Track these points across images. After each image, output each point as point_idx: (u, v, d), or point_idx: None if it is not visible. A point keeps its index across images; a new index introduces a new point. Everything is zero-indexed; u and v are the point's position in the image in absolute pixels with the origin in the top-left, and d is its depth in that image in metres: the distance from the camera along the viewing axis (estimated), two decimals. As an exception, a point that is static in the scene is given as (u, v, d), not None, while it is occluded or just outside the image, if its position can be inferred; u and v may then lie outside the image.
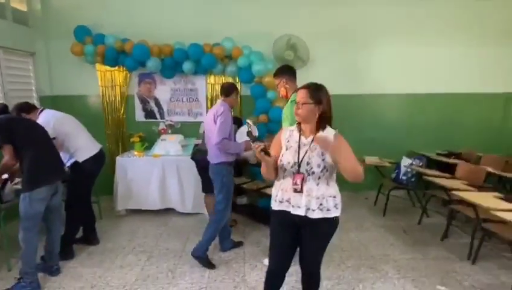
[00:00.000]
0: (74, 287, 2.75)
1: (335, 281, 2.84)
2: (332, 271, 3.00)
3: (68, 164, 3.27)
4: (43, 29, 4.72)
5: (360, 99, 5.09)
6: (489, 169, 3.85)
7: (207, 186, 3.59)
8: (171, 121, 4.84)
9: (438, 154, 4.95)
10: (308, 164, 1.84)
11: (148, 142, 4.60)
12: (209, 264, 3.06)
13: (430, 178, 3.73)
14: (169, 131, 4.70)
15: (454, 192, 3.09)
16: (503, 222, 3.07)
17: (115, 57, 4.55)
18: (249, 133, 1.96)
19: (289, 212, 1.90)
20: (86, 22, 4.64)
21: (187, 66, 4.52)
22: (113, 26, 4.67)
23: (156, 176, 4.27)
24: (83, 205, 3.40)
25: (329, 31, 4.89)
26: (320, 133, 1.83)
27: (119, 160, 4.32)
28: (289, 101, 2.81)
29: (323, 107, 1.83)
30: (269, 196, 3.87)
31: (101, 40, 4.52)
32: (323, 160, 1.82)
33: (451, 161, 4.48)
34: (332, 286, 2.77)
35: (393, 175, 4.54)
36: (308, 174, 1.84)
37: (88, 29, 4.61)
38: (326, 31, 4.89)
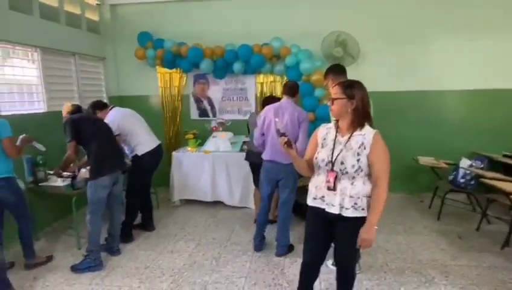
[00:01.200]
0: (131, 267, 3.09)
1: (375, 282, 2.79)
2: (374, 272, 2.94)
3: (130, 157, 3.66)
4: (112, 36, 5.27)
5: (414, 95, 4.82)
6: None
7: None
8: (222, 119, 5.07)
9: (505, 155, 4.51)
10: (342, 163, 1.84)
11: (201, 138, 4.89)
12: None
13: (488, 181, 3.44)
14: (221, 129, 4.94)
15: (514, 196, 2.82)
16: None
17: (172, 60, 4.91)
18: (277, 131, 2.06)
19: (323, 209, 1.94)
20: (148, 28, 5.08)
21: (237, 66, 4.72)
22: (171, 31, 5.05)
23: (207, 170, 4.54)
24: (141, 194, 3.77)
25: (379, 27, 4.73)
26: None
27: (175, 155, 4.67)
28: None
29: (356, 103, 1.81)
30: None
31: (160, 44, 4.92)
32: (358, 160, 1.82)
33: (518, 162, 4.06)
34: (372, 286, 2.73)
35: (451, 177, 4.24)
36: (342, 173, 1.85)
37: (150, 35, 5.04)
38: (376, 27, 4.72)
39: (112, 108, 3.64)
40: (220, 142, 4.70)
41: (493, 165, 4.22)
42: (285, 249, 3.26)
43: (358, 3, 4.74)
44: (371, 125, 1.88)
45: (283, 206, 3.24)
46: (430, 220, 4.12)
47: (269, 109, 3.17)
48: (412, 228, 3.89)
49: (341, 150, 1.86)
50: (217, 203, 4.62)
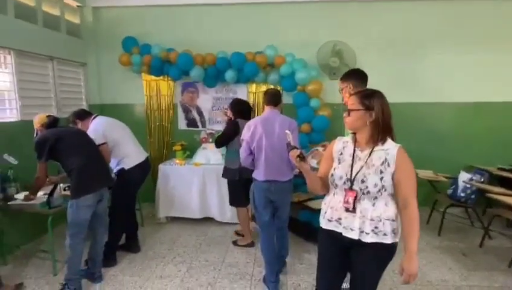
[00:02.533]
0: (115, 296, 2.74)
1: (388, 308, 2.57)
2: (384, 295, 2.74)
3: (115, 171, 3.32)
4: (94, 40, 4.93)
5: (411, 107, 4.74)
6: None
7: (241, 200, 3.53)
8: (212, 129, 4.82)
9: (500, 168, 4.47)
10: (363, 181, 1.62)
11: (190, 150, 4.60)
12: None
13: (496, 196, 3.34)
14: (210, 140, 4.67)
15: (528, 213, 2.71)
16: None
17: (160, 66, 4.63)
18: (288, 144, 1.85)
19: (340, 233, 1.71)
20: (134, 33, 4.78)
21: (229, 74, 4.49)
22: (159, 36, 4.78)
23: (197, 184, 4.24)
24: (126, 212, 3.43)
25: (376, 38, 4.66)
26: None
27: (162, 168, 4.35)
28: None
29: (376, 114, 1.61)
30: (311, 210, 3.74)
31: (147, 50, 4.63)
32: (381, 179, 1.61)
33: (518, 176, 4.01)
34: (385, 313, 2.52)
35: (450, 191, 4.15)
36: (363, 193, 1.63)
37: (135, 40, 4.74)
38: (374, 38, 4.66)
39: (95, 117, 3.30)
40: (210, 154, 4.43)
41: (491, 178, 4.16)
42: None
43: (356, 13, 4.66)
44: (393, 139, 1.68)
45: (283, 227, 2.99)
46: (431, 235, 3.98)
47: (255, 122, 2.79)
48: (414, 244, 3.72)
49: (361, 167, 1.65)
50: (207, 220, 4.31)
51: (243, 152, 2.81)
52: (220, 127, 4.93)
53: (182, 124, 5.09)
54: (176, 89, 5.02)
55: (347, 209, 1.66)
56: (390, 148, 1.63)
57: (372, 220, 1.61)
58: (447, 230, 4.01)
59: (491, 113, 4.72)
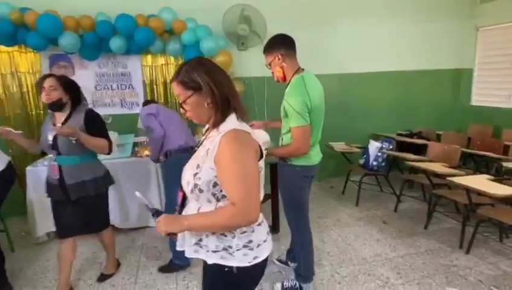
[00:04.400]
0: None
1: (337, 301, 2.34)
2: (328, 285, 2.50)
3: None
4: None
5: (321, 80, 4.61)
6: (466, 149, 3.70)
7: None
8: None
9: (399, 134, 4.78)
10: (183, 178, 1.24)
11: (71, 143, 3.56)
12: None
13: (412, 163, 3.45)
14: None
15: (450, 178, 2.79)
16: (492, 205, 2.92)
17: (13, 33, 3.37)
18: (146, 207, 1.28)
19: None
20: (-38, -17, 3.34)
21: (116, 43, 3.54)
22: (4, -11, 3.44)
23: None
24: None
25: (287, 5, 4.30)
26: None
27: (31, 171, 3.22)
28: (290, 85, 2.12)
29: (209, 91, 1.14)
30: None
31: (-13, 8, 3.28)
32: (195, 175, 1.16)
33: (420, 141, 4.31)
34: (336, 307, 2.28)
35: (362, 161, 4.21)
36: (186, 193, 1.25)
37: (-34, -6, 3.32)
38: (284, 4, 4.28)
39: None
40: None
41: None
42: None
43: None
44: (242, 118, 1.21)
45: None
46: (349, 206, 4.00)
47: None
48: (338, 219, 3.66)
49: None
50: (106, 228, 3.43)
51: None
52: (110, 111, 3.97)
53: (56, 110, 3.92)
54: (42, 63, 3.79)
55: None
56: (220, 132, 1.13)
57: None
58: (362, 199, 4.09)
59: (388, 82, 4.96)
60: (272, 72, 2.21)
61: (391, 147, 4.04)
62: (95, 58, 3.83)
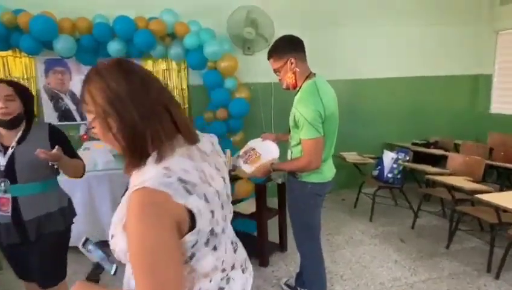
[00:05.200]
0: None
1: (354, 336, 2.07)
2: (343, 316, 2.24)
3: None
4: None
5: (331, 85, 4.38)
6: (489, 161, 3.42)
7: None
8: (96, 122, 3.62)
9: (414, 144, 4.50)
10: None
11: (65, 153, 3.35)
12: None
13: (434, 177, 3.18)
14: (95, 137, 3.49)
15: (479, 196, 2.51)
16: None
17: (5, 35, 3.19)
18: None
19: None
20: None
21: (114, 46, 3.34)
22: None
23: (80, 199, 3.06)
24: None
25: (295, 6, 4.08)
26: None
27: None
28: (301, 92, 1.87)
29: (105, 118, 0.78)
30: (235, 213, 3.04)
31: (-22, 10, 3.11)
32: (112, 236, 0.82)
33: (438, 152, 4.03)
34: None
35: (376, 172, 3.93)
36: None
37: (-43, -5, 3.15)
38: (293, 6, 4.07)
39: None
40: (96, 156, 3.27)
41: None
42: None
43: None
44: (189, 142, 0.85)
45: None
46: (363, 222, 3.73)
47: None
48: (351, 236, 3.39)
49: None
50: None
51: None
52: (107, 119, 3.75)
53: (51, 117, 3.71)
54: (37, 68, 3.61)
55: None
56: (135, 185, 0.73)
57: None
58: (376, 214, 3.80)
59: (402, 88, 4.69)
60: (280, 79, 1.96)
61: (407, 158, 3.77)
62: (92, 63, 3.63)
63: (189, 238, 0.75)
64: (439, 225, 3.57)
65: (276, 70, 1.93)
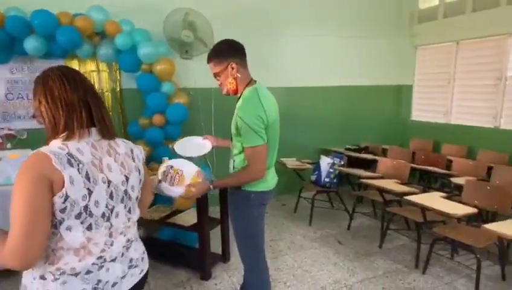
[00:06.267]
0: None
1: None
2: (288, 325, 2.22)
3: None
4: None
5: (273, 92, 4.43)
6: (413, 165, 3.73)
7: None
8: (9, 129, 3.17)
9: (348, 149, 4.75)
10: None
11: (-31, 165, 2.85)
12: None
13: (367, 181, 3.35)
14: (9, 145, 3.06)
15: (407, 197, 2.70)
16: (443, 222, 2.90)
17: None
18: None
19: None
20: None
21: (31, 43, 2.96)
22: None
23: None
24: None
25: (236, 13, 4.06)
26: None
27: None
28: (243, 99, 1.79)
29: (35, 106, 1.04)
30: (176, 225, 2.88)
31: None
32: None
33: (369, 156, 4.29)
34: None
35: (314, 177, 4.06)
36: None
37: None
38: (233, 12, 4.04)
39: None
40: (9, 167, 2.84)
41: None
42: None
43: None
44: (103, 136, 1.07)
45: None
46: (302, 226, 3.80)
47: None
48: (293, 241, 3.42)
49: None
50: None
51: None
52: (25, 125, 3.31)
53: (-50, 123, 3.17)
54: None
55: None
56: None
57: None
58: (315, 217, 3.91)
59: (335, 97, 4.93)
60: (220, 84, 1.88)
61: (342, 162, 3.95)
62: (5, 62, 3.19)
63: (58, 199, 0.91)
64: (372, 225, 3.79)
65: (216, 75, 1.84)
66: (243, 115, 1.71)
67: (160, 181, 1.75)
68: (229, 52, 1.78)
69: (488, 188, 2.83)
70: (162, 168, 1.78)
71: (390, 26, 5.10)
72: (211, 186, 1.82)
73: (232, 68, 1.76)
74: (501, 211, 2.73)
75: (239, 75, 1.79)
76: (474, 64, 4.40)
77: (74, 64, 3.42)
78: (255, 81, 1.87)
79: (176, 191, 1.76)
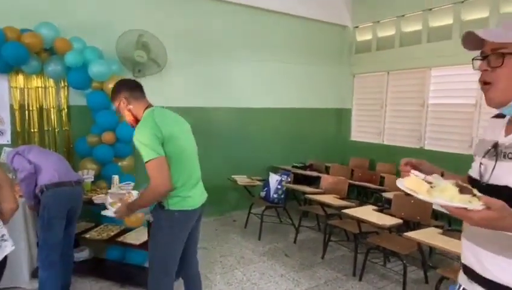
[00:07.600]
0: None
1: None
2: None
3: None
4: None
5: (221, 112, 4.61)
6: (351, 181, 4.09)
7: None
8: None
9: (294, 166, 5.05)
10: None
11: None
12: None
13: (310, 196, 3.62)
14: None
15: (344, 210, 2.99)
16: (376, 232, 3.24)
17: None
18: None
19: None
20: None
21: (-27, 58, 2.85)
22: None
23: None
24: None
25: (187, 35, 4.22)
26: None
27: None
28: (141, 124, 1.86)
29: None
30: (125, 244, 2.88)
31: None
32: None
33: (313, 173, 4.61)
34: None
35: (263, 193, 4.26)
36: None
37: None
38: (186, 34, 4.20)
39: None
40: None
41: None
42: None
43: (166, 4, 4.07)
44: None
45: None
46: (252, 241, 3.95)
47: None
48: (243, 256, 3.55)
49: None
50: None
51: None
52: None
53: None
54: None
55: None
56: None
57: None
58: (264, 232, 4.09)
59: (282, 118, 5.25)
60: (124, 119, 2.06)
61: (289, 179, 4.21)
62: None
63: None
64: (315, 238, 4.06)
65: (117, 112, 2.03)
66: (137, 134, 1.79)
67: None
68: (119, 89, 1.96)
69: (412, 201, 3.23)
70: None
71: (332, 55, 5.62)
72: (131, 209, 1.97)
73: (123, 103, 1.94)
74: (423, 221, 3.13)
75: (131, 106, 1.93)
76: (402, 92, 5.01)
77: (19, 80, 3.32)
78: (152, 106, 1.98)
79: (107, 212, 2.13)
